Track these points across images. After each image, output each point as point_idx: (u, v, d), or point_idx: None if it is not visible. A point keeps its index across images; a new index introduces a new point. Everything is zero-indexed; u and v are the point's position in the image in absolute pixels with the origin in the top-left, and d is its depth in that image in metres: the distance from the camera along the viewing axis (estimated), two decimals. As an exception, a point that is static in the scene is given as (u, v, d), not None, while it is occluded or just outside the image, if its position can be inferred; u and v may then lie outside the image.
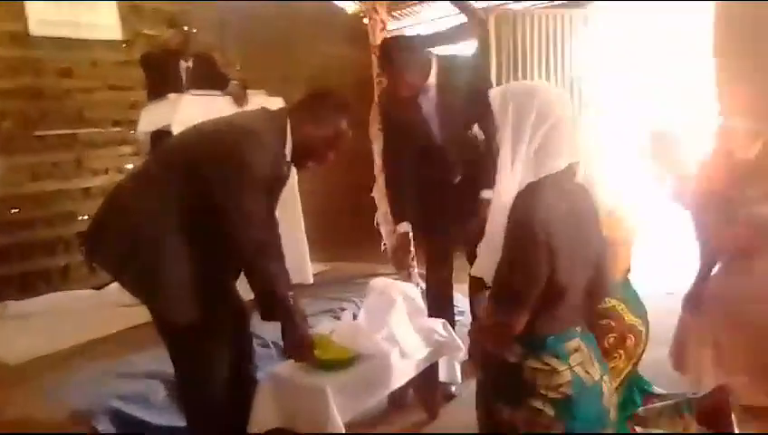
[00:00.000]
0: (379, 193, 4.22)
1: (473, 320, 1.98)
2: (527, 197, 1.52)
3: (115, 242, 2.13)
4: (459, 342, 2.72)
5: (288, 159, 2.19)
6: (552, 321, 1.54)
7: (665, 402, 2.26)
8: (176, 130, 3.11)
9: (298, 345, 2.15)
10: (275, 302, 2.08)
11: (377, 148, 4.09)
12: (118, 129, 4.98)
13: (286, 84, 4.53)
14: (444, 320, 2.76)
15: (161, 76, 3.83)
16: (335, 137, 2.23)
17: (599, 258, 1.61)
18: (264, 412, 2.25)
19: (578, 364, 1.55)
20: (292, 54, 5.95)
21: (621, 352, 2.12)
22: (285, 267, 2.16)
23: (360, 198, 4.62)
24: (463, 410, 2.89)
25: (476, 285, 1.83)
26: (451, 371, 2.77)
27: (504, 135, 1.58)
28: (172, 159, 2.19)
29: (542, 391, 1.53)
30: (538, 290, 1.48)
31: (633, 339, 2.13)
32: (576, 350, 1.56)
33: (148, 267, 2.09)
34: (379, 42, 3.99)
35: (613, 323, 2.09)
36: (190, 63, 3.94)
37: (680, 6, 5.10)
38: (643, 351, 2.19)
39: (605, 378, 1.61)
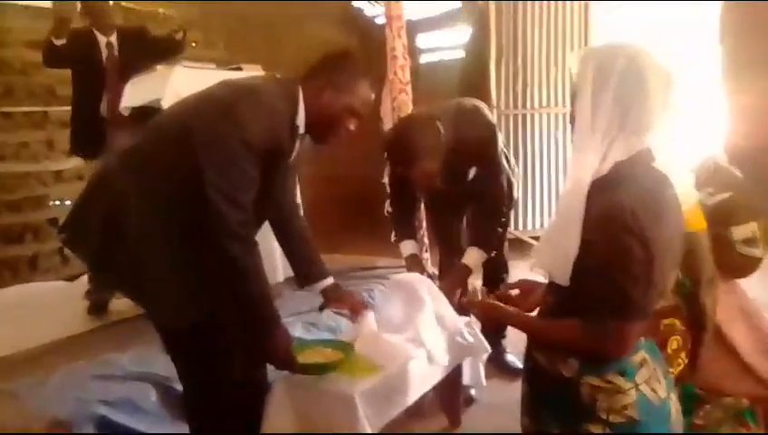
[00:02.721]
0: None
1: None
2: (610, 182, 1.25)
3: (97, 230, 1.81)
4: (485, 342, 2.49)
5: (301, 130, 1.91)
6: None
7: (721, 408, 2.05)
8: (166, 105, 2.83)
9: (277, 350, 1.84)
10: (244, 298, 1.77)
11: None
12: (93, 107, 4.61)
13: (271, 67, 4.26)
14: (468, 318, 2.52)
15: (78, 64, 3.53)
16: (357, 102, 1.93)
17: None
18: (278, 421, 1.97)
19: (644, 382, 1.30)
20: (279, 36, 5.65)
21: (683, 355, 1.91)
22: (260, 256, 1.80)
23: (359, 187, 4.37)
24: (486, 415, 2.70)
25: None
26: (475, 373, 2.53)
27: (583, 101, 1.31)
28: (164, 131, 1.88)
29: (602, 414, 1.29)
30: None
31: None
32: (642, 364, 1.31)
33: (135, 259, 1.78)
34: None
35: (678, 323, 1.87)
36: (113, 39, 3.56)
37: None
38: None
39: (672, 396, 1.37)
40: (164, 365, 2.12)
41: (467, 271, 2.72)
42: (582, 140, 1.32)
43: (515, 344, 3.05)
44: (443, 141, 2.49)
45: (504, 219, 2.85)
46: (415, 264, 2.84)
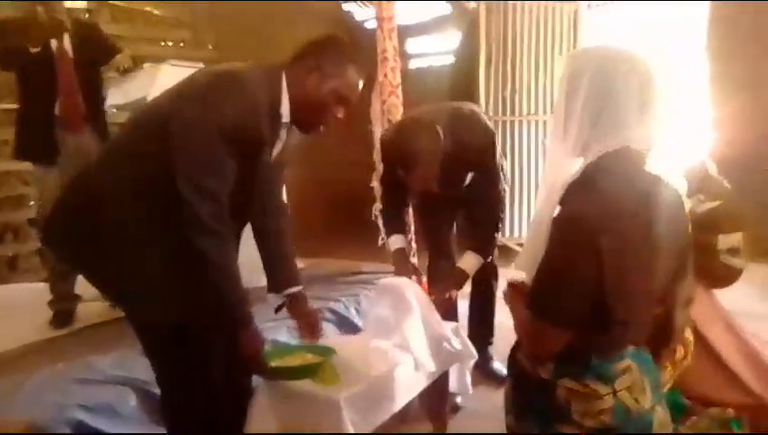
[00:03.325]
0: (379, 184, 3.89)
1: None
2: (577, 184, 1.26)
3: (77, 229, 1.77)
4: (472, 349, 2.46)
5: (285, 119, 1.82)
6: (601, 339, 1.28)
7: (708, 418, 2.05)
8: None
9: (246, 352, 1.79)
10: (213, 294, 1.70)
11: (378, 131, 3.76)
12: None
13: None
14: (456, 323, 2.50)
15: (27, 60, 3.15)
16: (345, 87, 1.83)
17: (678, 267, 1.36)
18: (261, 425, 1.94)
19: (624, 389, 1.29)
20: (268, 37, 5.62)
21: (668, 365, 1.90)
22: (234, 254, 1.76)
23: (347, 191, 4.34)
24: (472, 423, 2.67)
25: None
26: (462, 380, 2.51)
27: (558, 106, 1.33)
28: (142, 125, 1.81)
29: (576, 417, 1.28)
30: (583, 303, 1.22)
31: (683, 351, 1.91)
32: (625, 372, 1.30)
33: (116, 259, 1.73)
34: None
35: None
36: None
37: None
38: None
39: (658, 408, 1.34)
40: (145, 369, 2.06)
41: (464, 276, 2.69)
42: (555, 144, 1.32)
43: (502, 353, 3.03)
44: (442, 146, 2.46)
45: (500, 225, 2.83)
46: (402, 258, 2.77)
